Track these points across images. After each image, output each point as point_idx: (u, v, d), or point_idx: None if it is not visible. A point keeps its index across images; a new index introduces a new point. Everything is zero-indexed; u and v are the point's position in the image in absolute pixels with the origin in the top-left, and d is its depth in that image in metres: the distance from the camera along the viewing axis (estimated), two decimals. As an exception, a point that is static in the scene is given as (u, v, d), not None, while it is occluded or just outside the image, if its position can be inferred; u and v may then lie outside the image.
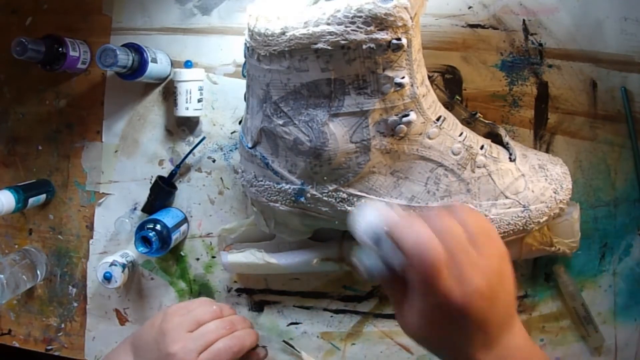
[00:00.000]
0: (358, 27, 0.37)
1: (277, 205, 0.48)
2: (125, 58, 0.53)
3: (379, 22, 0.37)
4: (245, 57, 0.44)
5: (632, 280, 0.58)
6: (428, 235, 0.34)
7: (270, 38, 0.39)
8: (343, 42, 0.38)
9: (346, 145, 0.42)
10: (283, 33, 0.39)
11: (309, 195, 0.46)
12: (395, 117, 0.42)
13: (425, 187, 0.45)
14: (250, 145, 0.47)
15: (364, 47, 0.38)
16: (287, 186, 0.47)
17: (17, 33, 0.61)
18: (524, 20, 0.56)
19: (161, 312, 0.54)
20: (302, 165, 0.44)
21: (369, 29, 0.37)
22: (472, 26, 0.56)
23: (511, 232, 0.48)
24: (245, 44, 0.43)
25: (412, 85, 0.41)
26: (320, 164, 0.44)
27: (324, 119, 0.42)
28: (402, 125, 0.42)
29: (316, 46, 0.38)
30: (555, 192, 0.49)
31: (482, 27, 0.56)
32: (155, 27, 0.61)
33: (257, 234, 0.59)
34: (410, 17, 0.38)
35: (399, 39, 0.38)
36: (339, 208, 0.46)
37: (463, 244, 0.35)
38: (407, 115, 0.42)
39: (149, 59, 0.56)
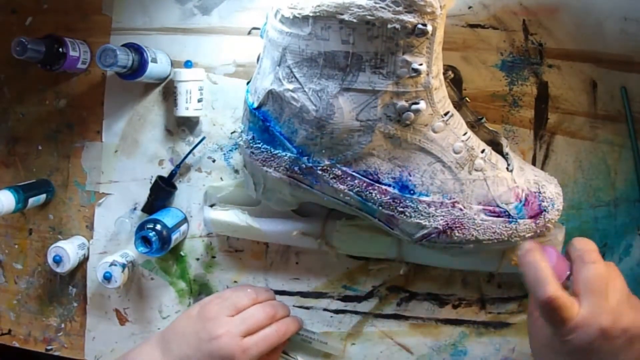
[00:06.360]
0: (387, 5, 0.37)
1: (269, 170, 0.48)
2: (125, 58, 0.53)
3: (409, 3, 0.37)
4: (267, 17, 0.44)
5: (632, 280, 0.57)
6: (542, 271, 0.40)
7: None
8: (369, 17, 0.38)
9: (351, 121, 0.42)
10: None
11: (303, 166, 0.46)
12: (404, 103, 0.42)
13: (420, 179, 0.45)
14: (255, 105, 0.47)
15: (389, 26, 0.38)
16: (284, 153, 0.47)
17: (17, 33, 0.61)
18: (524, 20, 0.56)
19: (196, 304, 0.56)
20: (304, 134, 0.44)
21: (397, 9, 0.37)
22: (472, 26, 0.56)
23: (495, 240, 0.47)
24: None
25: (427, 75, 0.41)
26: (321, 135, 0.44)
27: (335, 91, 0.42)
28: (410, 113, 0.42)
29: (342, 17, 0.38)
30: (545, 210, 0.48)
31: (482, 27, 0.56)
32: (155, 27, 0.61)
33: (244, 197, 0.58)
34: (440, 6, 0.38)
35: (424, 25, 0.38)
36: (330, 184, 0.46)
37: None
38: (416, 104, 0.42)
39: (149, 59, 0.56)
